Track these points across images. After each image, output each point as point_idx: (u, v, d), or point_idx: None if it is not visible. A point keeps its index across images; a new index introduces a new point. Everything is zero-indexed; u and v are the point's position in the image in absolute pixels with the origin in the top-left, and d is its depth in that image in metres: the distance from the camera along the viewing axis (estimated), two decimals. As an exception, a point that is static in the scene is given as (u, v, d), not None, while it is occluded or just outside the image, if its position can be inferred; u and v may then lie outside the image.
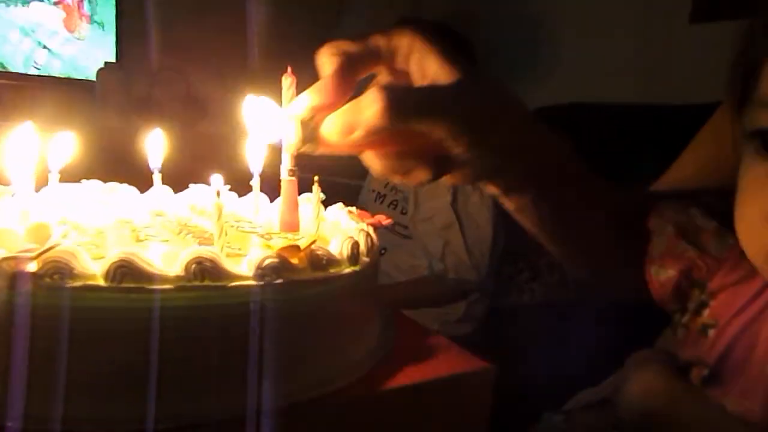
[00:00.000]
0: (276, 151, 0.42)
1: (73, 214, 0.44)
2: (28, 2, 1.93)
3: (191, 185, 0.55)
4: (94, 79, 1.97)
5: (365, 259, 0.42)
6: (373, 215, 0.50)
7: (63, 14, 2.01)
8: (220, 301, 0.34)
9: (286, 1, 1.98)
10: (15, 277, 0.31)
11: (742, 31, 0.42)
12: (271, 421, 0.35)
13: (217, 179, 0.42)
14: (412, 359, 0.44)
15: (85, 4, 2.03)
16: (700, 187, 0.55)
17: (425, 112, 0.37)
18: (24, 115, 0.45)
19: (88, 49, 2.04)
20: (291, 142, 0.40)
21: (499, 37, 1.90)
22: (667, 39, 1.53)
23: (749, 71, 0.40)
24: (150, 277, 0.32)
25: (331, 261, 0.39)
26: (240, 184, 0.51)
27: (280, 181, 0.44)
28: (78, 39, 2.03)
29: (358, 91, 0.39)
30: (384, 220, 0.50)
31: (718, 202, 0.48)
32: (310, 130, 0.39)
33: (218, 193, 0.38)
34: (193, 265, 0.33)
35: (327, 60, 0.40)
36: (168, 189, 0.54)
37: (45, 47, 1.99)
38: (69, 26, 2.02)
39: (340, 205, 0.52)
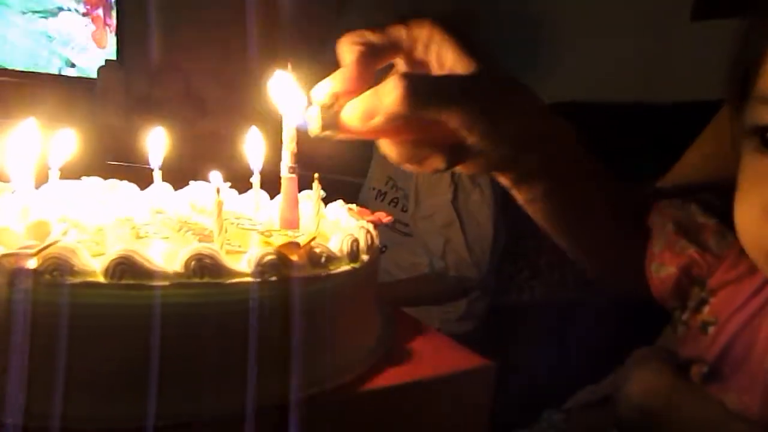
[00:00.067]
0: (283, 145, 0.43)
1: (73, 211, 0.44)
2: (57, 14, 1.96)
3: (191, 182, 0.55)
4: (94, 76, 1.97)
5: (365, 256, 0.42)
6: (373, 213, 0.50)
7: (93, 27, 2.03)
8: (219, 298, 0.34)
9: (286, 0, 1.98)
10: (15, 274, 0.31)
11: (742, 28, 0.42)
12: (270, 418, 0.35)
13: (216, 176, 0.42)
14: (413, 357, 0.44)
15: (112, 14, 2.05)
16: (704, 185, 0.55)
17: (442, 101, 0.38)
18: (24, 112, 0.45)
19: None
20: (312, 127, 0.40)
21: (499, 37, 1.90)
22: (668, 37, 1.52)
23: (749, 68, 0.40)
24: (150, 274, 0.33)
25: (331, 258, 0.39)
26: (240, 182, 0.52)
27: (280, 178, 0.44)
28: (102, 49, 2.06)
29: (376, 82, 0.39)
30: (384, 217, 0.50)
31: (718, 200, 0.48)
32: (331, 115, 0.40)
33: (218, 191, 0.38)
34: (193, 262, 0.33)
35: (348, 49, 0.41)
36: (168, 186, 0.54)
37: (74, 65, 2.04)
38: (99, 42, 2.05)
39: (340, 202, 0.51)
